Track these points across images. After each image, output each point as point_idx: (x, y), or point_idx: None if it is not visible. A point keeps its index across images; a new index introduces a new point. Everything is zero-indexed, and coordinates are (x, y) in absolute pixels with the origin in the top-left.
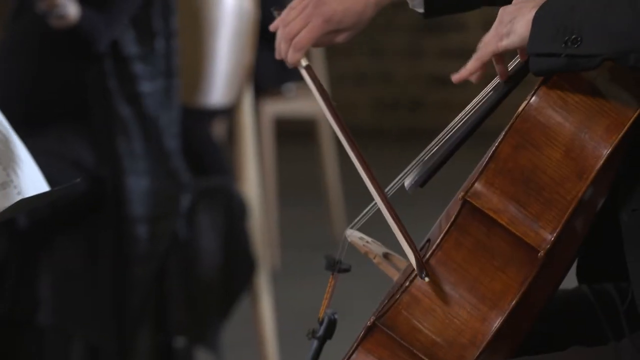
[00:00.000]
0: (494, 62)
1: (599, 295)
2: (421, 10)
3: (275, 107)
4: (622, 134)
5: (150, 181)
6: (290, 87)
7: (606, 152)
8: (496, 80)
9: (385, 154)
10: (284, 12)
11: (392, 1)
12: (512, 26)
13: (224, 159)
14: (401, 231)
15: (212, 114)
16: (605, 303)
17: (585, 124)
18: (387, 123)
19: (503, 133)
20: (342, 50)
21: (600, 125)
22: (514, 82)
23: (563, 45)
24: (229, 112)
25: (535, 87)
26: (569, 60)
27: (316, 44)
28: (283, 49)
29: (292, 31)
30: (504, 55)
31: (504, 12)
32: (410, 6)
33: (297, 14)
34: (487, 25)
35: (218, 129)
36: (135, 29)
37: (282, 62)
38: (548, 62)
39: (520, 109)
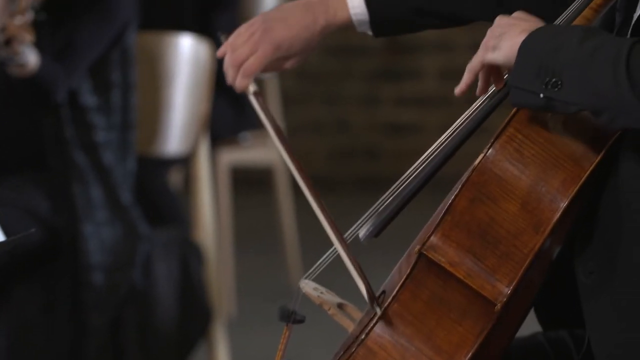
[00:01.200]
0: (480, 75)
1: (555, 344)
2: (370, 33)
3: (231, 156)
4: (579, 186)
5: (107, 230)
6: (246, 135)
7: (563, 205)
8: (451, 130)
9: (342, 202)
10: (232, 37)
11: (338, 27)
12: (500, 42)
13: (181, 208)
14: (359, 274)
15: (169, 163)
16: (560, 352)
17: (542, 177)
18: (343, 172)
19: (459, 186)
20: (298, 98)
21: (557, 178)
22: (468, 132)
23: (544, 86)
24: (185, 161)
25: (492, 140)
26: (547, 102)
27: (265, 69)
28: (231, 75)
29: (241, 57)
30: (496, 70)
31: (498, 22)
32: (358, 30)
33: (245, 39)
34: (443, 74)
35: (174, 178)
36: (93, 79)
37: (238, 111)
38: (527, 98)
39: (477, 162)
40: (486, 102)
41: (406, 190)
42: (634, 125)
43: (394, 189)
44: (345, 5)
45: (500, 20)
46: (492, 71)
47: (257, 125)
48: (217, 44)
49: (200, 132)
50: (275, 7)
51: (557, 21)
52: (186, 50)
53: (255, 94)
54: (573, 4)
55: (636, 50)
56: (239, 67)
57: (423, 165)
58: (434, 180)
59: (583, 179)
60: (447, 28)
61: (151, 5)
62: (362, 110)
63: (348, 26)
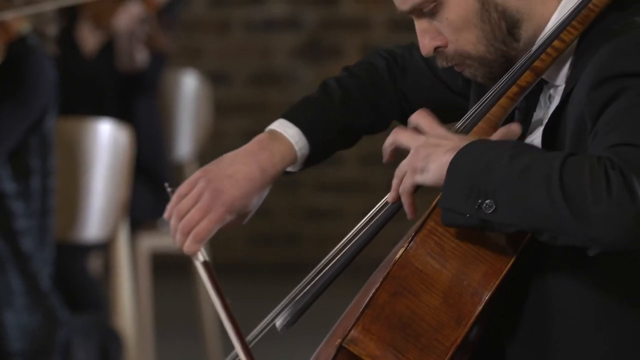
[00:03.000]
0: (405, 198)
1: None
2: (296, 170)
3: (151, 241)
4: (500, 279)
5: (26, 317)
6: (166, 220)
7: (485, 298)
8: (370, 215)
9: (262, 288)
10: (175, 199)
11: (285, 168)
12: (428, 164)
13: (100, 293)
14: None
15: (88, 248)
16: None
17: (463, 271)
18: (263, 257)
19: (381, 279)
20: None
21: (478, 271)
22: (385, 220)
23: (476, 207)
24: (105, 247)
25: (412, 234)
26: (482, 223)
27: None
28: (179, 240)
29: (191, 223)
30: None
31: (420, 144)
32: (294, 169)
33: (192, 202)
34: (363, 159)
35: (94, 264)
36: (12, 165)
37: (157, 196)
38: (460, 219)
39: (398, 256)
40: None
41: (324, 279)
42: (577, 244)
43: (312, 276)
44: (289, 143)
45: (422, 143)
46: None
47: None
48: (165, 197)
49: (119, 218)
50: (215, 162)
51: (472, 109)
52: (105, 136)
53: (205, 263)
54: (489, 92)
55: (568, 165)
56: (188, 232)
57: (342, 252)
58: (354, 263)
59: (504, 271)
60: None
61: (70, 91)
62: (282, 195)
63: (291, 165)
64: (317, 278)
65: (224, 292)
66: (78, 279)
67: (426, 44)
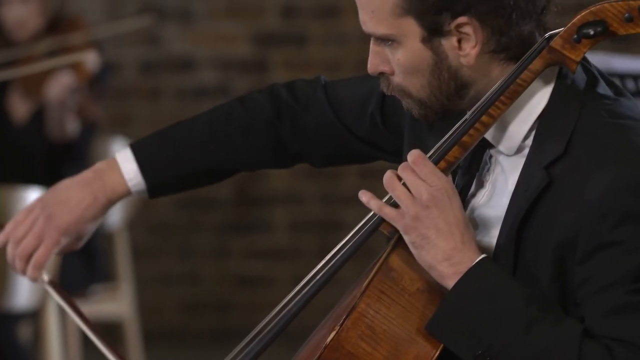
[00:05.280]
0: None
1: None
2: (145, 196)
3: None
4: None
5: None
6: (96, 289)
7: None
8: (303, 283)
9: (194, 356)
10: (10, 226)
11: (120, 199)
12: (421, 250)
13: None
14: None
15: (17, 317)
16: None
17: (395, 353)
18: (194, 325)
19: None
20: (148, 251)
21: (410, 354)
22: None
23: (474, 354)
24: (35, 315)
25: (344, 316)
26: None
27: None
28: (19, 267)
29: (27, 249)
30: None
31: (419, 212)
32: (135, 196)
33: (27, 229)
34: (293, 226)
35: (23, 332)
36: None
37: (87, 264)
38: (451, 346)
39: (329, 339)
40: (338, 256)
41: (255, 349)
42: None
43: (243, 346)
44: (122, 178)
45: (421, 206)
46: None
47: (107, 278)
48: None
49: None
50: (52, 189)
51: (431, 152)
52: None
53: (50, 283)
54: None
55: (585, 354)
56: (27, 259)
57: (274, 320)
58: (286, 331)
59: (436, 353)
60: (219, 182)
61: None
62: (213, 263)
63: (128, 196)
64: (250, 347)
65: (75, 302)
66: (8, 347)
67: (374, 65)
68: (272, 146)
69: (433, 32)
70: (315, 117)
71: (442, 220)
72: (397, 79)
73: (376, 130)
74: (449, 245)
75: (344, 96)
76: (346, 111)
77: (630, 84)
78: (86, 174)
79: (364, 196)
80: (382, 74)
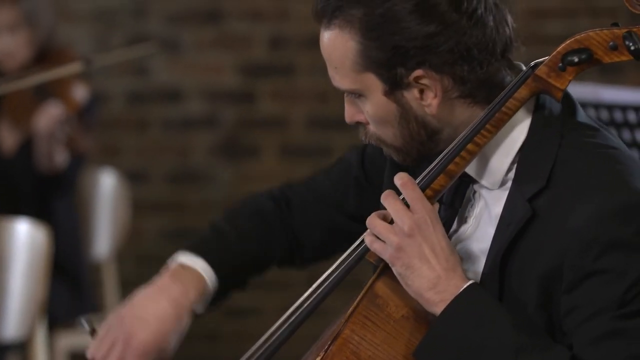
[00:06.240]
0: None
1: None
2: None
3: (69, 340)
4: None
5: None
6: (84, 319)
7: None
8: (291, 311)
9: None
10: (94, 345)
11: (198, 302)
12: (407, 278)
13: None
14: None
15: (5, 348)
16: None
17: None
18: (183, 355)
19: None
20: (136, 283)
21: None
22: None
23: None
24: (22, 346)
25: (329, 342)
26: None
27: None
28: None
29: None
30: None
31: (406, 241)
32: (202, 309)
33: (107, 348)
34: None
35: None
36: None
37: (76, 295)
38: None
39: None
40: (325, 285)
41: None
42: None
43: None
44: (200, 276)
45: (400, 254)
46: None
47: (95, 309)
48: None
49: (37, 317)
50: (130, 302)
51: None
52: (22, 235)
53: None
54: (430, 167)
55: None
56: None
57: (260, 349)
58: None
59: None
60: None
61: None
62: None
63: (205, 297)
64: None
65: None
66: None
67: (350, 115)
68: (287, 242)
69: (394, 86)
70: (301, 208)
71: (427, 247)
72: (372, 128)
73: (363, 194)
74: (433, 273)
75: (324, 184)
76: (329, 193)
77: (618, 115)
78: (161, 282)
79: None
80: (359, 123)
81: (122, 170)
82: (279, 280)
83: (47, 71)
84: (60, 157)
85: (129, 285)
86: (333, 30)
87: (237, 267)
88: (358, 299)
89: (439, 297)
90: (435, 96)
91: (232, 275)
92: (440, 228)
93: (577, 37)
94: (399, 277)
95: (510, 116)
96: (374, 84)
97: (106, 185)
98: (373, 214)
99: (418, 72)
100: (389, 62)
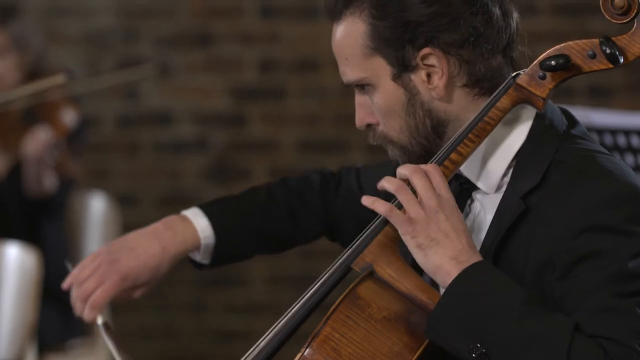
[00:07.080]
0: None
1: None
2: (206, 262)
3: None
4: None
5: None
6: (75, 342)
7: None
8: (277, 327)
9: None
10: (77, 269)
11: (187, 253)
12: (429, 251)
13: None
14: None
15: None
16: None
17: None
18: None
19: None
20: (126, 305)
21: None
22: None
23: (470, 349)
24: None
25: (309, 340)
26: None
27: (113, 300)
28: (79, 308)
29: (87, 290)
30: None
31: (432, 215)
32: (198, 258)
33: (90, 272)
34: (271, 280)
35: None
36: None
37: (66, 318)
38: (447, 346)
39: None
40: (304, 305)
41: None
42: None
43: None
44: (194, 230)
45: (433, 210)
46: None
47: (85, 332)
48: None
49: (27, 340)
50: (122, 236)
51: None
52: (12, 258)
53: (105, 325)
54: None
55: (577, 344)
56: (86, 300)
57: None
58: None
59: None
60: (279, 253)
61: None
62: (191, 317)
63: (193, 251)
64: None
65: (120, 348)
66: None
67: (360, 118)
68: (321, 220)
69: (402, 68)
70: (345, 191)
71: (450, 225)
72: (381, 127)
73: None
74: (456, 246)
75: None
76: (368, 191)
77: (608, 139)
78: (156, 225)
79: (367, 200)
80: (368, 126)
81: (113, 193)
82: (268, 303)
83: (29, 84)
84: (49, 182)
85: (119, 308)
86: (344, 20)
87: (247, 236)
88: (339, 299)
89: (459, 267)
90: (442, 77)
91: (239, 242)
92: (460, 213)
93: (557, 47)
94: (417, 250)
95: (493, 126)
96: (383, 69)
97: (96, 209)
98: (399, 180)
99: (425, 50)
100: (398, 40)
